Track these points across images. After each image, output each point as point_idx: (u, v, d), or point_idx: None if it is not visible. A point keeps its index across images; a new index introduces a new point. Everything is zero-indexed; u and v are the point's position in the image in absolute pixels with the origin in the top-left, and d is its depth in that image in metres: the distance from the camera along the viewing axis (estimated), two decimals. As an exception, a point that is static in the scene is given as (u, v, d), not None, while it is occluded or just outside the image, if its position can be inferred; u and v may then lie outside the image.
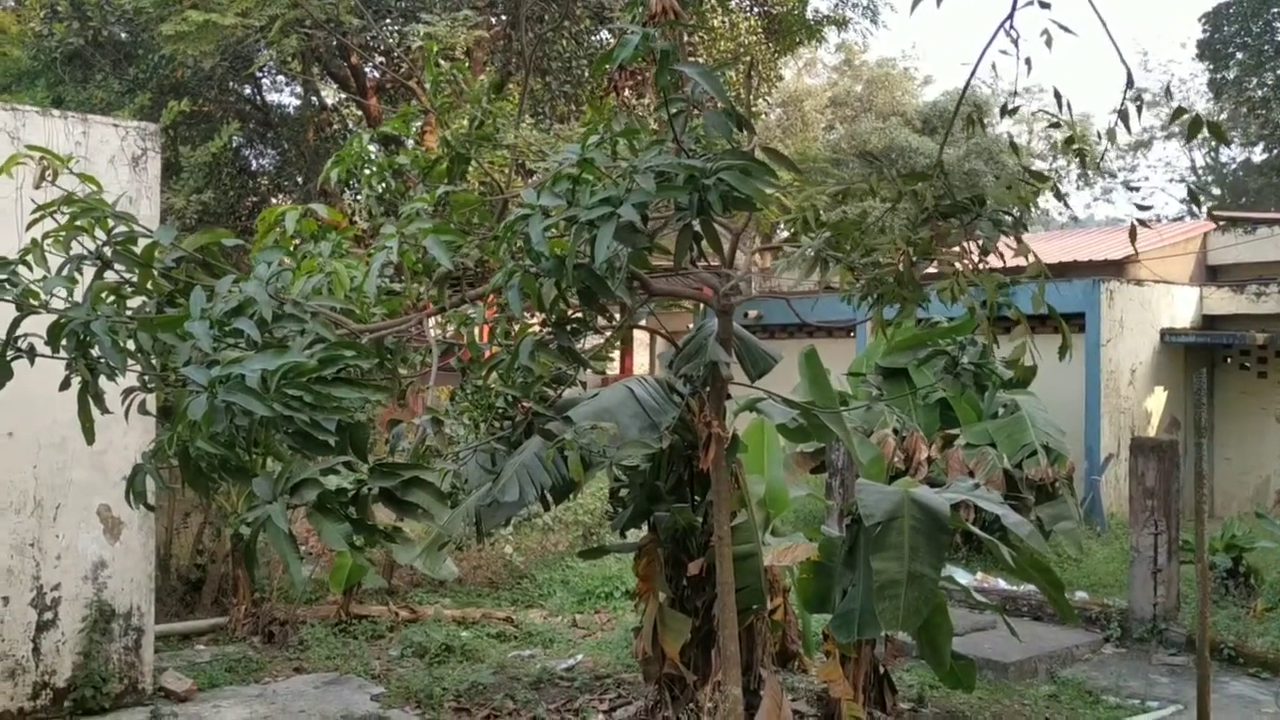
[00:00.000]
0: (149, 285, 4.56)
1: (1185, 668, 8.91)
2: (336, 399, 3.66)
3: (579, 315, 4.81)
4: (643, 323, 6.13)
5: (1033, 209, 5.01)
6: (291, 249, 4.37)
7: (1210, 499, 16.46)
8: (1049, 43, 3.47)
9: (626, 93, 7.01)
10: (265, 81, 19.14)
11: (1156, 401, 16.24)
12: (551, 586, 11.28)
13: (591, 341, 6.31)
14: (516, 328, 5.09)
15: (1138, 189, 38.26)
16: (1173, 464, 9.40)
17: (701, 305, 9.26)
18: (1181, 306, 16.86)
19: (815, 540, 7.60)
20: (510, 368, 4.84)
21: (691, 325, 7.79)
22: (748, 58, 16.10)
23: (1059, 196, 4.94)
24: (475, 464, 6.19)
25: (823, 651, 7.03)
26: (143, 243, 4.51)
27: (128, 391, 4.47)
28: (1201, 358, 16.87)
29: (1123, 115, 3.62)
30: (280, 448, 3.72)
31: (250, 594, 9.60)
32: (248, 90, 19.22)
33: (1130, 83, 3.48)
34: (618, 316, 6.25)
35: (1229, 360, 17.04)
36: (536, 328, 5.00)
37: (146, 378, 4.48)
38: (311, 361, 3.66)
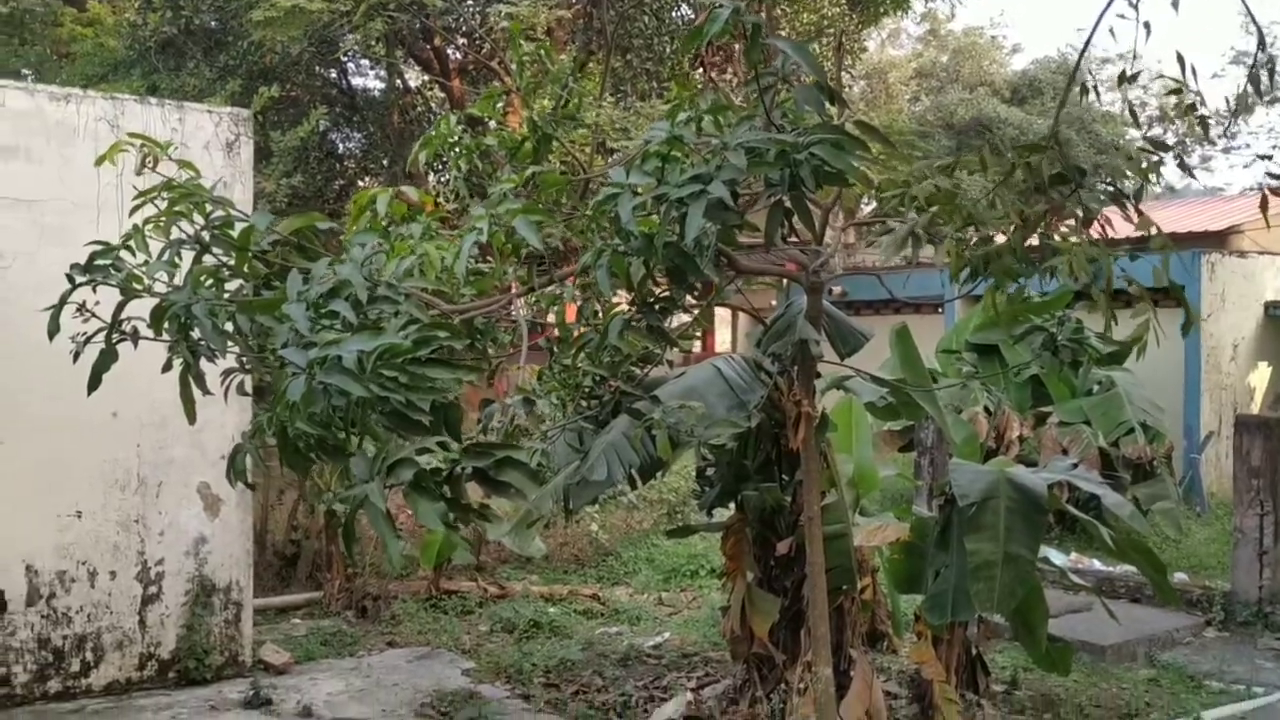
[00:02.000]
0: (246, 269, 4.66)
1: (1293, 653, 8.62)
2: (431, 379, 3.69)
3: (667, 294, 4.77)
4: (729, 300, 6.05)
5: (1154, 180, 4.83)
6: (383, 231, 4.41)
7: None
8: (1175, 3, 3.32)
9: (711, 68, 6.96)
10: (350, 65, 19.40)
11: (1260, 377, 15.69)
12: (637, 564, 11.33)
13: (679, 320, 6.28)
14: (603, 307, 5.07)
15: (1269, 157, 36.59)
16: (1280, 442, 9.06)
17: (786, 282, 9.09)
18: (1288, 280, 16.23)
19: (905, 519, 7.49)
20: (599, 347, 4.83)
21: (775, 303, 7.72)
22: (832, 30, 15.83)
23: (1183, 167, 4.75)
24: (563, 443, 6.22)
25: (914, 633, 6.93)
26: (239, 227, 4.61)
27: (227, 372, 4.57)
28: (1308, 332, 16.24)
29: (1253, 79, 3.45)
30: (376, 428, 3.76)
31: (344, 569, 9.79)
32: (333, 74, 19.53)
33: (1262, 43, 3.32)
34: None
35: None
36: (624, 307, 4.98)
37: (244, 359, 4.58)
38: (406, 343, 3.69)
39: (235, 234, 4.57)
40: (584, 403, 6.13)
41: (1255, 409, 15.55)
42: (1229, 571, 9.87)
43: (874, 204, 6.71)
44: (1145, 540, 6.78)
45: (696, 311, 6.10)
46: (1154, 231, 4.34)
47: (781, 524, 6.89)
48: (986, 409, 12.77)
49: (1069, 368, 12.91)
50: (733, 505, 7.14)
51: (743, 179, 4.12)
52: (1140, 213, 4.44)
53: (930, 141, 28.22)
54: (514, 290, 5.00)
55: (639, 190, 4.03)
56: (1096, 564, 10.89)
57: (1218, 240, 16.72)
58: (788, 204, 4.23)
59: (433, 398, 3.69)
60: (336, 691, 7.42)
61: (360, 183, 19.00)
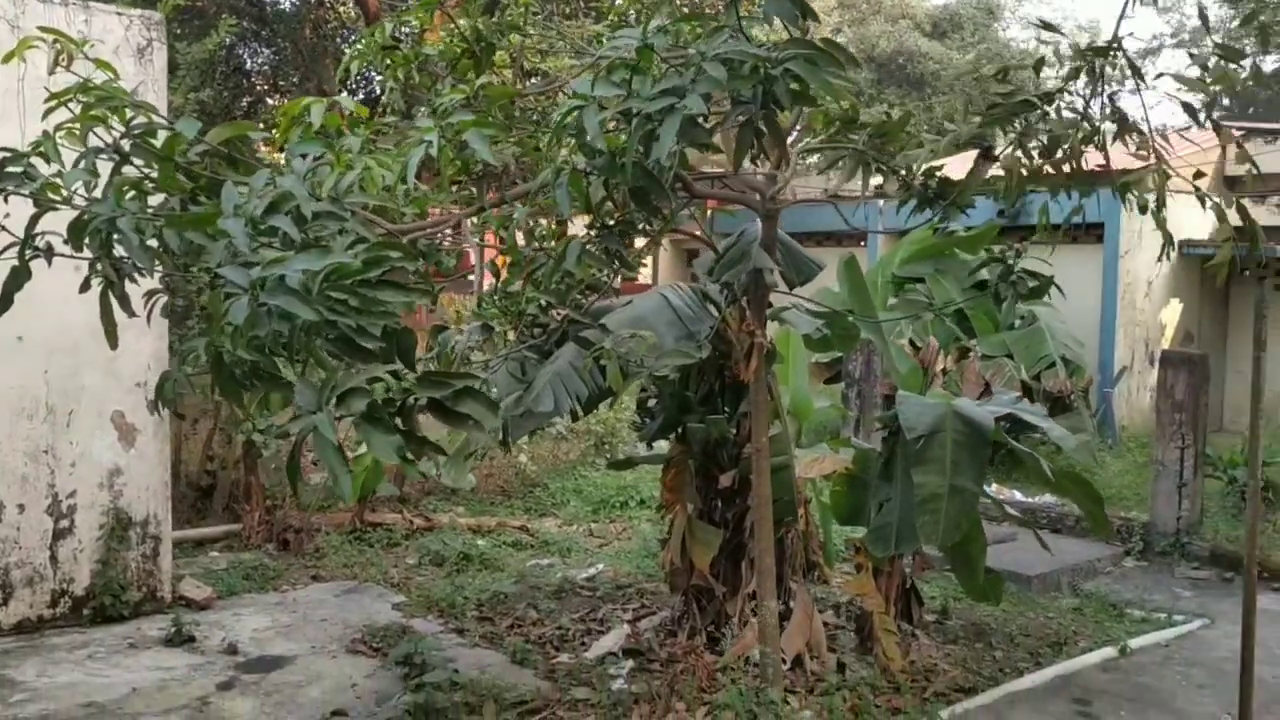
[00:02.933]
0: (170, 182, 4.30)
1: (1208, 581, 8.87)
2: (383, 303, 3.43)
3: (625, 217, 4.55)
4: (682, 226, 5.82)
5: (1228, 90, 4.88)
6: (327, 143, 4.08)
7: (1219, 412, 16.39)
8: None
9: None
10: (259, -24, 18.50)
11: (1171, 314, 16.06)
12: (565, 495, 11.20)
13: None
14: (552, 228, 4.82)
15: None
16: (1203, 377, 9.24)
17: (711, 213, 8.87)
18: (1200, 218, 16.53)
19: (837, 450, 7.46)
20: (553, 272, 4.59)
21: (699, 232, 7.52)
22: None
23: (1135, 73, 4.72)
24: (504, 372, 5.99)
25: (854, 565, 6.93)
26: (163, 135, 4.24)
27: (150, 294, 4.24)
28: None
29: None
30: (321, 354, 3.49)
31: (263, 501, 9.47)
32: (242, -15, 18.58)
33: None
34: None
35: (1246, 273, 16.80)
36: (578, 231, 4.74)
37: (169, 279, 4.25)
38: (356, 263, 3.41)
39: (158, 143, 4.21)
40: (527, 331, 5.90)
41: (1165, 345, 15.95)
42: (1146, 502, 10.11)
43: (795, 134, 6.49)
44: (1082, 472, 6.84)
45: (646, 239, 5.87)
46: (1234, 150, 4.37)
47: (724, 456, 6.78)
48: (912, 342, 12.82)
49: (994, 302, 13.06)
50: (673, 437, 7.02)
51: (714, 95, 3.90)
52: (1218, 127, 4.45)
53: (853, 73, 28.11)
54: (458, 211, 4.71)
55: (606, 104, 3.77)
56: (1017, 495, 11.09)
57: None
58: (759, 124, 4.01)
59: (384, 322, 3.44)
60: (262, 627, 7.16)
61: (269, 100, 18.25)
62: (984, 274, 6.53)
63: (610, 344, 4.95)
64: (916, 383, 7.53)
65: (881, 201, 17.55)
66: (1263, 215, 16.02)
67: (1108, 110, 4.63)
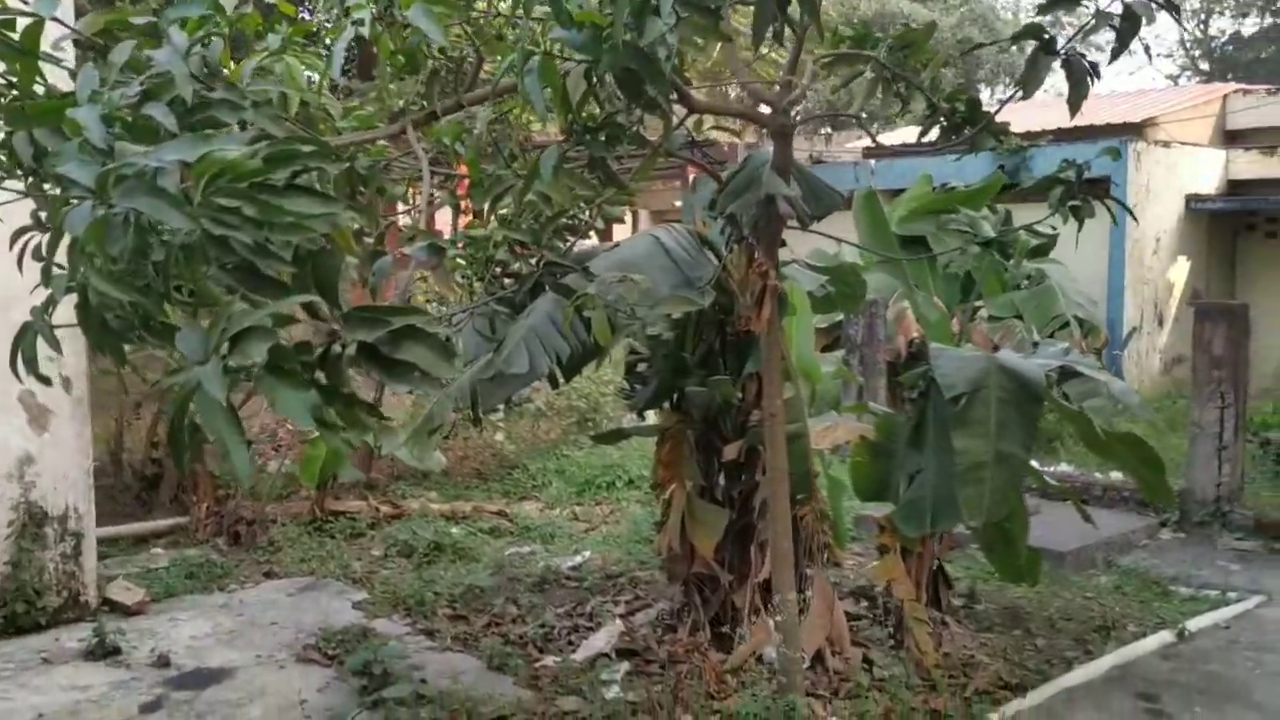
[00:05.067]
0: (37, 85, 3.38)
1: (1256, 553, 8.08)
2: (291, 214, 2.52)
3: (614, 120, 3.64)
4: (678, 150, 4.90)
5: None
6: (214, 5, 3.13)
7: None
8: None
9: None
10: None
11: (1179, 272, 15.30)
12: (546, 477, 10.31)
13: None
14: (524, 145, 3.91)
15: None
16: (1243, 330, 8.43)
17: (692, 179, 7.96)
18: (1206, 171, 15.77)
19: (859, 416, 6.60)
20: (524, 193, 3.69)
21: (679, 203, 6.58)
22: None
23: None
24: (470, 331, 5.10)
25: (877, 546, 6.08)
26: (23, 25, 3.31)
27: (19, 231, 3.31)
28: (1225, 226, 15.89)
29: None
30: (211, 286, 2.59)
31: (213, 491, 8.54)
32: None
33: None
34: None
35: (1254, 229, 16.07)
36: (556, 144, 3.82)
37: (41, 213, 3.33)
38: (255, 161, 2.50)
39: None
40: (496, 281, 5.00)
41: (1174, 305, 15.20)
42: (1177, 469, 9.31)
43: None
44: (1136, 433, 6.02)
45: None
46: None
47: (728, 425, 5.92)
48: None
49: (1000, 259, 12.29)
50: (668, 405, 6.15)
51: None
52: None
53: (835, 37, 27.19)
54: (401, 122, 3.78)
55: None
56: (1033, 463, 10.27)
57: (1136, 132, 16.09)
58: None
59: (293, 238, 2.54)
60: (201, 634, 6.25)
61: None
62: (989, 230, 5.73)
63: (594, 289, 4.07)
64: (945, 335, 6.66)
65: (874, 162, 16.72)
66: (1272, 165, 15.29)
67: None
